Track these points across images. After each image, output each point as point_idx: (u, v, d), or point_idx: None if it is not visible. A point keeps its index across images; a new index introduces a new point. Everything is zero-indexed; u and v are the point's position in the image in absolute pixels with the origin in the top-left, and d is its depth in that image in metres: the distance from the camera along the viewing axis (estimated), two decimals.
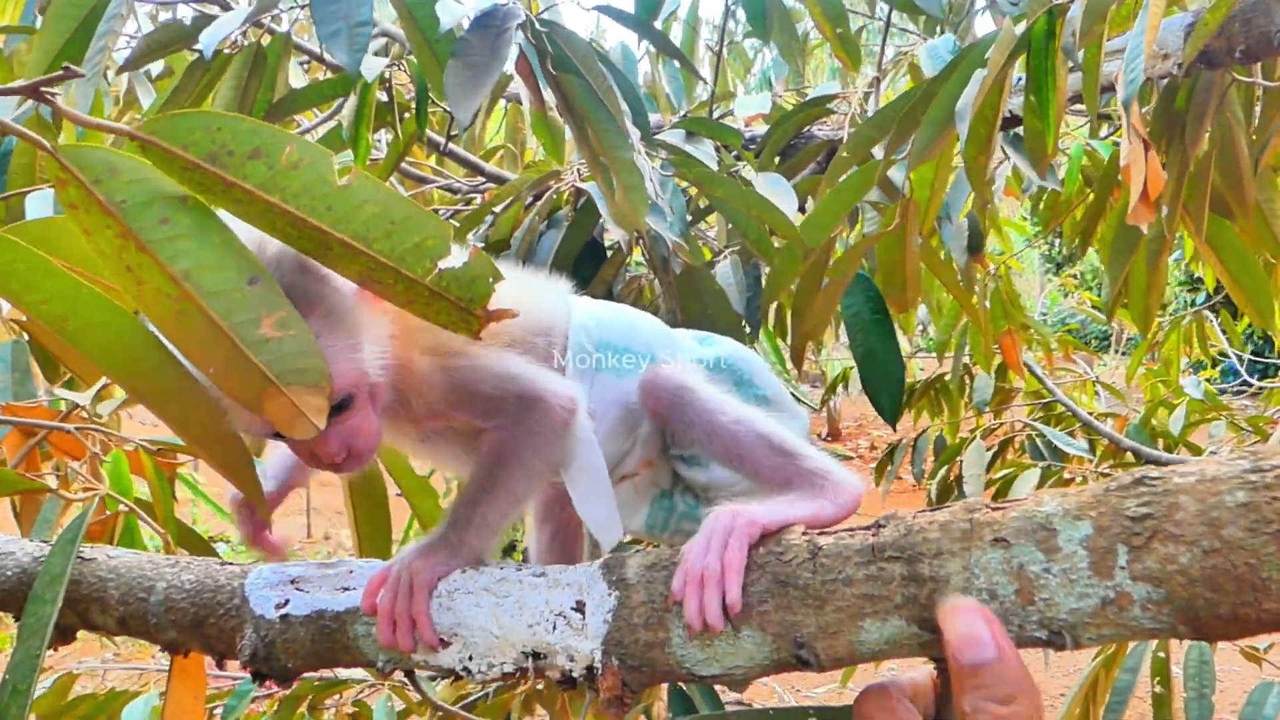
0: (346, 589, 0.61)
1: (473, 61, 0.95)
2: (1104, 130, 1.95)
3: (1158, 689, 1.50)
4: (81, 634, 0.70)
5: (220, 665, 0.64)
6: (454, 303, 0.44)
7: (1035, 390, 2.49)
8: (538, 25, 1.00)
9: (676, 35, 2.34)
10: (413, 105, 1.46)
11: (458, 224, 1.40)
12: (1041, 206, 2.20)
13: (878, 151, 1.12)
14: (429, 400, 0.61)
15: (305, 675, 1.39)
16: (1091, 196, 1.77)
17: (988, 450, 2.17)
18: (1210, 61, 1.13)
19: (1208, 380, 2.69)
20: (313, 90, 1.39)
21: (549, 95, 1.01)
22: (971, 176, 1.07)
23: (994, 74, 0.93)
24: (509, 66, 1.03)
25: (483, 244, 1.37)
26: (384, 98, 1.48)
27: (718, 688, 1.38)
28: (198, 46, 1.16)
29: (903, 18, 1.86)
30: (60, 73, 0.43)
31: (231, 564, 0.66)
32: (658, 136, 1.41)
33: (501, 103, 2.15)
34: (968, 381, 2.45)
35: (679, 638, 0.51)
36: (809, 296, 1.23)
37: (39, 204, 0.92)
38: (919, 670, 0.51)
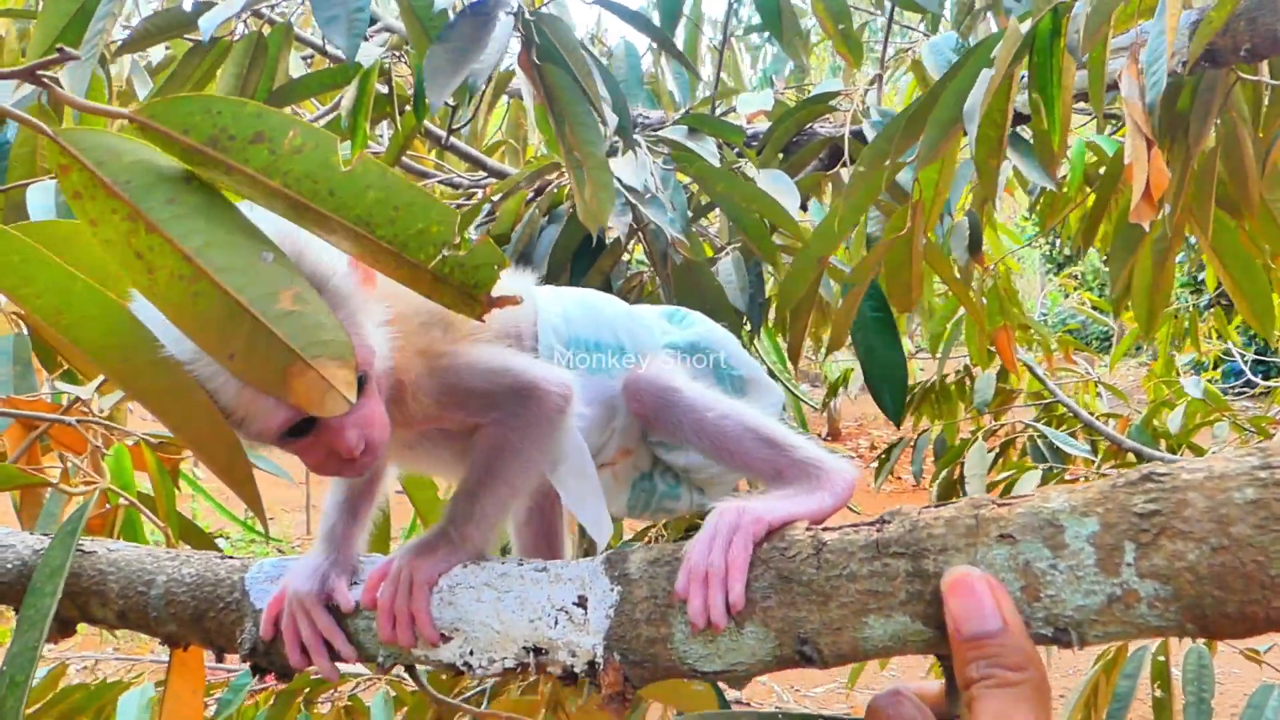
0: (351, 582, 0.61)
1: (454, 46, 0.95)
2: (1108, 129, 1.94)
3: (1158, 693, 1.50)
4: (81, 628, 0.70)
5: (220, 659, 0.63)
6: (458, 288, 0.43)
7: (1037, 391, 2.49)
8: (527, 15, 1.00)
9: (680, 33, 2.34)
10: (413, 98, 1.46)
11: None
12: (1040, 204, 2.20)
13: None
14: (423, 401, 0.61)
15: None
16: (1092, 195, 1.77)
17: (989, 451, 2.17)
18: (1215, 60, 1.13)
19: (1209, 381, 2.68)
20: (313, 79, 1.38)
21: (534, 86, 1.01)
22: (983, 179, 1.07)
23: (1001, 73, 0.92)
24: (510, 60, 1.03)
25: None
26: (384, 90, 1.48)
27: (721, 684, 1.38)
28: (197, 36, 1.16)
29: (904, 15, 1.85)
30: (55, 55, 0.43)
31: (232, 558, 0.65)
32: (660, 132, 1.41)
33: (504, 99, 2.14)
34: (968, 383, 2.45)
35: (681, 633, 0.51)
36: (805, 295, 1.23)
37: (40, 196, 0.92)
38: (930, 681, 0.51)
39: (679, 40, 2.23)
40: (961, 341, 2.22)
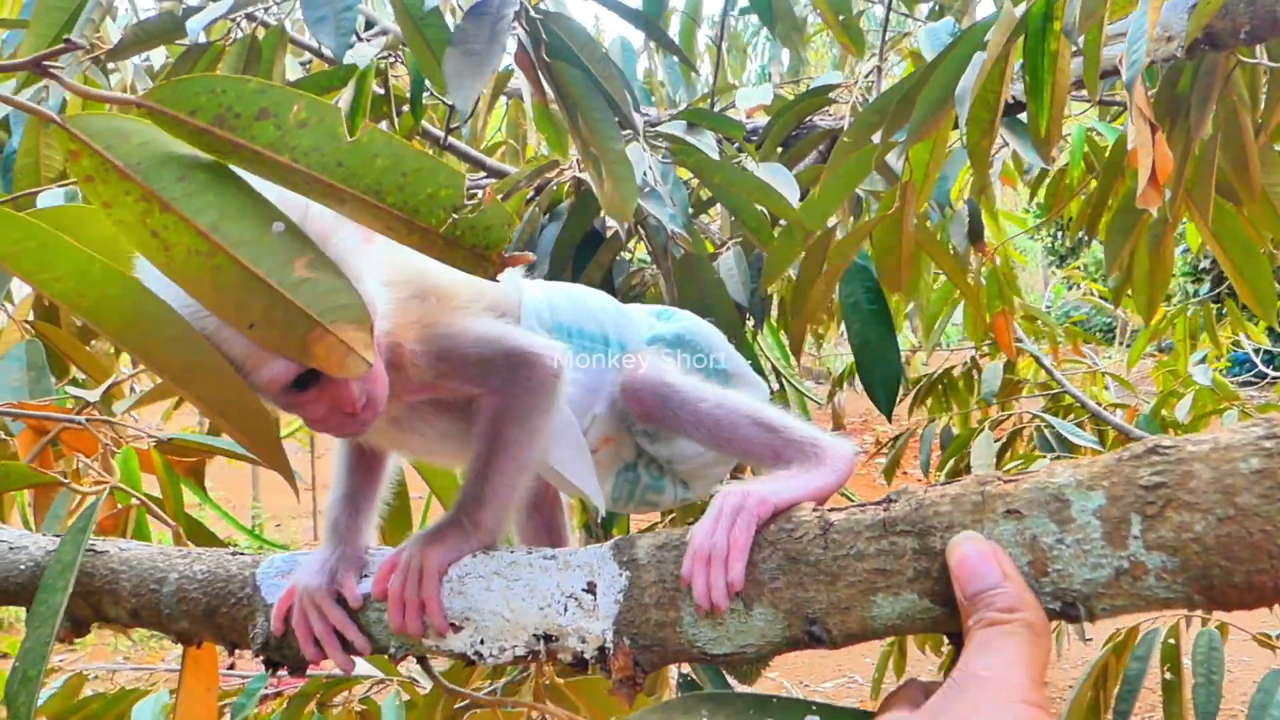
0: (361, 576, 0.61)
1: (471, 49, 0.95)
2: (1110, 116, 1.94)
3: (1168, 676, 1.50)
4: (93, 638, 0.70)
5: (232, 654, 0.64)
6: (470, 249, 0.44)
7: (1044, 382, 2.48)
8: (533, 13, 1.00)
9: (675, 29, 2.34)
10: (410, 98, 1.46)
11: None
12: (1045, 193, 2.19)
13: (878, 137, 1.12)
14: (419, 367, 0.61)
15: (313, 672, 1.39)
16: (1094, 184, 1.77)
17: (996, 442, 2.17)
18: (1214, 43, 1.12)
19: (1217, 370, 2.67)
20: (309, 81, 1.39)
21: (545, 85, 1.02)
22: (974, 160, 1.07)
23: (994, 55, 0.93)
24: (507, 60, 1.03)
25: None
26: (381, 91, 1.48)
27: (730, 679, 1.38)
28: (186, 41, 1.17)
29: (900, 4, 1.85)
30: (61, 46, 0.43)
31: (243, 554, 0.66)
32: (660, 128, 1.41)
33: (503, 99, 2.15)
34: (976, 375, 2.45)
35: (690, 617, 0.51)
36: (809, 285, 1.23)
37: (49, 203, 0.93)
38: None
39: (674, 39, 2.24)
40: (964, 337, 2.22)
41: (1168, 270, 1.49)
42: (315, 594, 0.59)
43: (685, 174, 1.38)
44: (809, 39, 2.39)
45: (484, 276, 0.45)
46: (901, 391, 1.46)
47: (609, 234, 1.37)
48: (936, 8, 1.97)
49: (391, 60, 1.54)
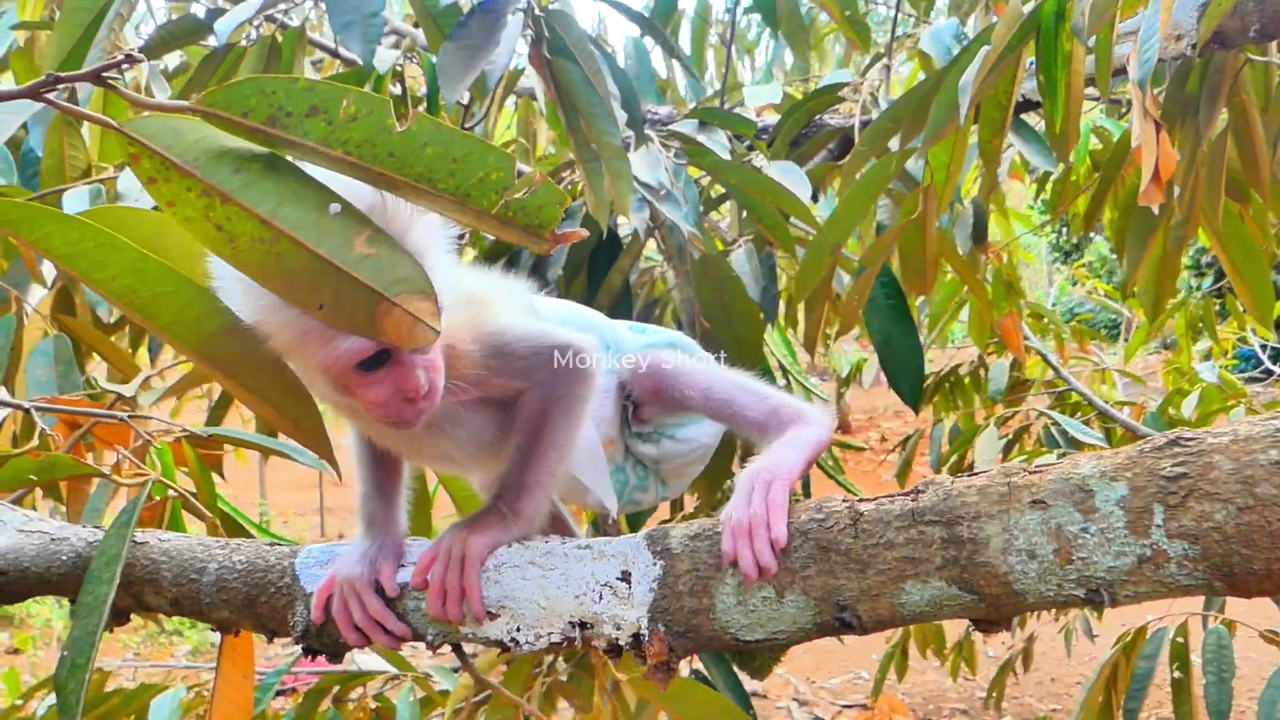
0: (399, 565, 0.63)
1: (468, 43, 0.98)
2: (1119, 114, 1.95)
3: (1177, 674, 1.51)
4: (104, 635, 0.72)
5: (270, 641, 0.65)
6: (523, 228, 0.45)
7: (1051, 380, 2.49)
8: (537, 11, 1.02)
9: (685, 30, 2.36)
10: (426, 98, 1.48)
11: None
12: (1050, 191, 2.20)
13: (893, 143, 1.13)
14: (470, 364, 0.64)
15: (326, 671, 1.41)
16: (1098, 179, 1.77)
17: (1003, 439, 2.18)
18: (1224, 41, 1.13)
19: (1223, 367, 2.67)
20: None
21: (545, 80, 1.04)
22: (985, 158, 1.08)
23: (998, 49, 0.94)
24: (520, 59, 1.05)
25: (495, 239, 1.38)
26: (397, 91, 1.50)
27: (741, 675, 1.39)
28: (212, 42, 1.18)
29: (905, 4, 1.87)
30: (122, 58, 0.45)
31: (281, 544, 0.68)
32: (671, 127, 1.43)
33: (512, 99, 2.16)
34: (982, 373, 2.46)
35: (723, 603, 0.53)
36: (819, 285, 1.24)
37: (75, 202, 0.94)
38: None
39: (685, 39, 2.25)
40: (965, 335, 2.23)
41: (1175, 270, 1.50)
42: (356, 583, 0.61)
43: (695, 172, 1.39)
44: (821, 40, 2.40)
45: (539, 251, 0.46)
46: None
47: (624, 236, 1.38)
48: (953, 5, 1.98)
49: (407, 60, 1.56)
